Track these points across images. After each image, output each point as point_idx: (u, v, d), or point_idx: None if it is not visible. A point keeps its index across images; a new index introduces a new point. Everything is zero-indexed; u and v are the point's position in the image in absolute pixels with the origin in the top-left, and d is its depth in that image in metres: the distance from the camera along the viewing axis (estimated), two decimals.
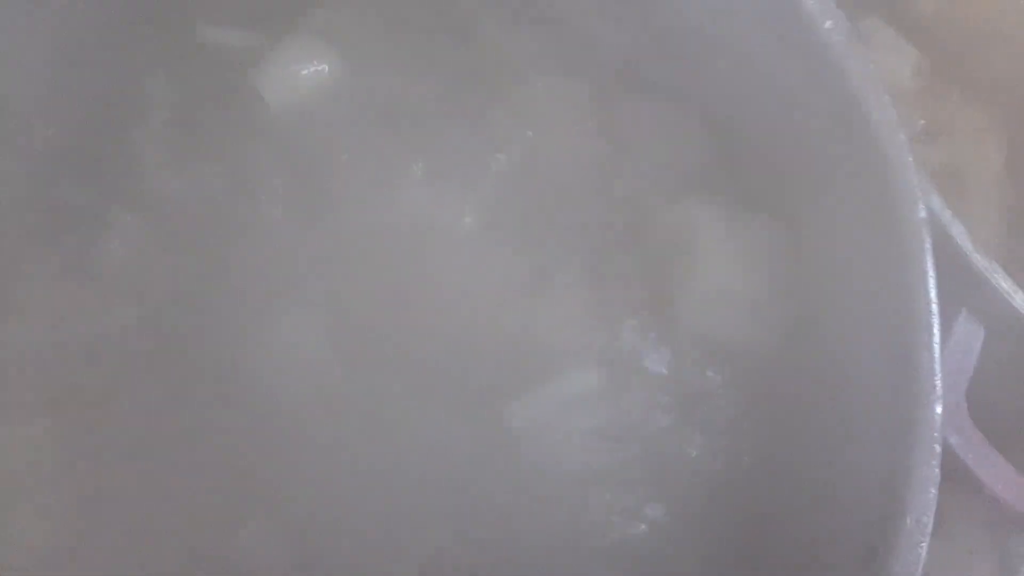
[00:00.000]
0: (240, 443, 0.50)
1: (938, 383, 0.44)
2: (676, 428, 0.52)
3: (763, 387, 0.52)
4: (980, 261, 0.47)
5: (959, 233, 0.47)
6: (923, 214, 0.44)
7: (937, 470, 0.43)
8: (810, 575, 0.48)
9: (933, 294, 0.44)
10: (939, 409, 0.44)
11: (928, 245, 0.44)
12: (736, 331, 0.53)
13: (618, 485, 0.51)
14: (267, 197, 0.56)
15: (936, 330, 0.44)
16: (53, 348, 0.52)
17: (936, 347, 0.44)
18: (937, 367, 0.44)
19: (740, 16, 0.50)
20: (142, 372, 0.51)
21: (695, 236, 0.53)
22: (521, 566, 0.49)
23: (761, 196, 0.52)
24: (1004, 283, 0.47)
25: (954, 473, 0.48)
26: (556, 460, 0.51)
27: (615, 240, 0.56)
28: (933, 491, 0.43)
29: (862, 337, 0.48)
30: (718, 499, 0.51)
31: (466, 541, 0.49)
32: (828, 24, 0.46)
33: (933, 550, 0.75)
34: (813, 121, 0.48)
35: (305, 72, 0.57)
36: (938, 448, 0.43)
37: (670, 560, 0.50)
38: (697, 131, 0.56)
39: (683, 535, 0.51)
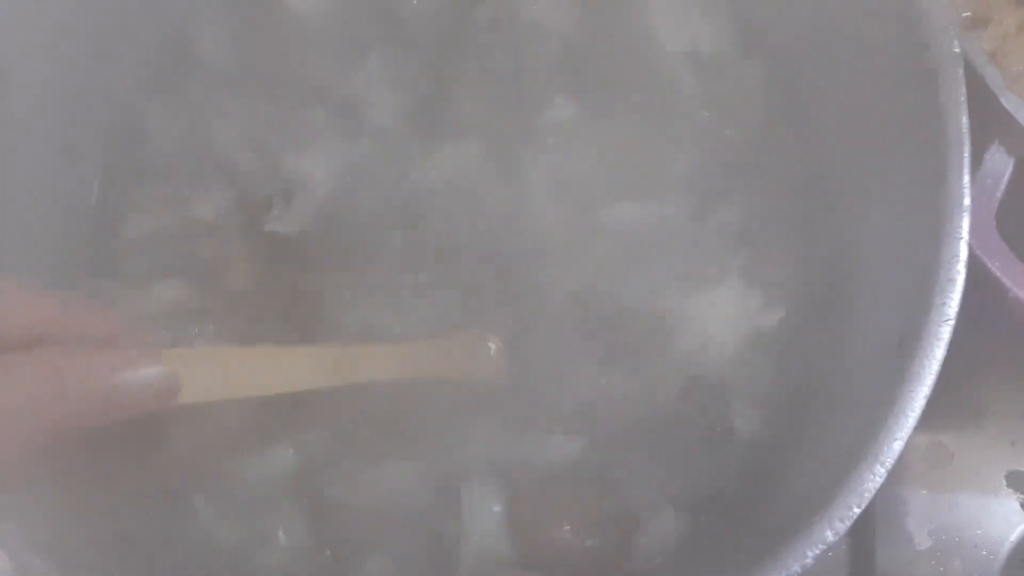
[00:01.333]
0: None
1: (966, 197, 0.51)
2: None
3: None
4: (1009, 99, 0.54)
5: (990, 74, 0.54)
6: (957, 49, 0.52)
7: (962, 265, 0.50)
8: (853, 357, 0.56)
9: (964, 119, 0.52)
10: (966, 218, 0.51)
11: (961, 74, 0.51)
12: None
13: None
14: None
15: (966, 151, 0.52)
16: None
17: (965, 163, 0.51)
18: (966, 181, 0.51)
19: None
20: None
21: None
22: None
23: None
24: None
25: (983, 284, 0.55)
26: None
27: None
28: (958, 279, 0.49)
29: (899, 158, 0.55)
30: None
31: None
32: None
33: (976, 442, 0.81)
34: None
35: None
36: (964, 245, 0.50)
37: None
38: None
39: None
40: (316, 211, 0.65)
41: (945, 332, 0.49)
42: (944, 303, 0.49)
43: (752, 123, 0.68)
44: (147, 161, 0.69)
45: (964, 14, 0.67)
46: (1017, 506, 0.80)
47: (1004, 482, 0.81)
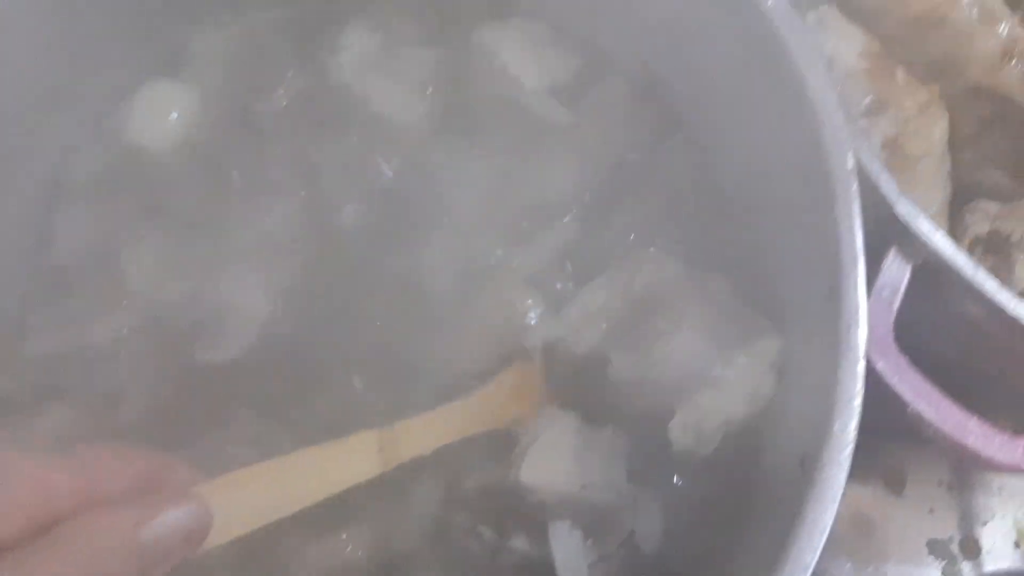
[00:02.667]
0: None
1: (862, 311, 0.51)
2: None
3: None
4: (904, 206, 0.54)
5: (885, 181, 0.54)
6: (851, 165, 0.51)
7: (860, 386, 0.49)
8: (754, 477, 0.55)
9: (858, 234, 0.51)
10: (863, 333, 0.50)
11: (855, 191, 0.51)
12: None
13: None
14: None
15: (861, 265, 0.51)
16: None
17: (861, 279, 0.51)
18: (862, 297, 0.51)
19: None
20: None
21: None
22: None
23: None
24: (923, 225, 0.53)
25: (884, 399, 0.55)
26: None
27: None
28: (857, 402, 0.49)
29: (798, 274, 0.55)
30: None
31: None
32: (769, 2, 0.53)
33: (896, 511, 0.82)
34: (754, 84, 0.55)
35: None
36: (861, 368, 0.50)
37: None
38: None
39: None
40: (241, 340, 0.64)
41: (846, 457, 0.49)
42: (844, 429, 0.49)
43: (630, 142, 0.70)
44: (51, 275, 0.67)
45: (865, 99, 0.67)
46: (939, 574, 0.81)
47: (926, 550, 0.82)
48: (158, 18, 0.70)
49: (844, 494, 0.47)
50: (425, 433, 0.56)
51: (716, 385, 0.58)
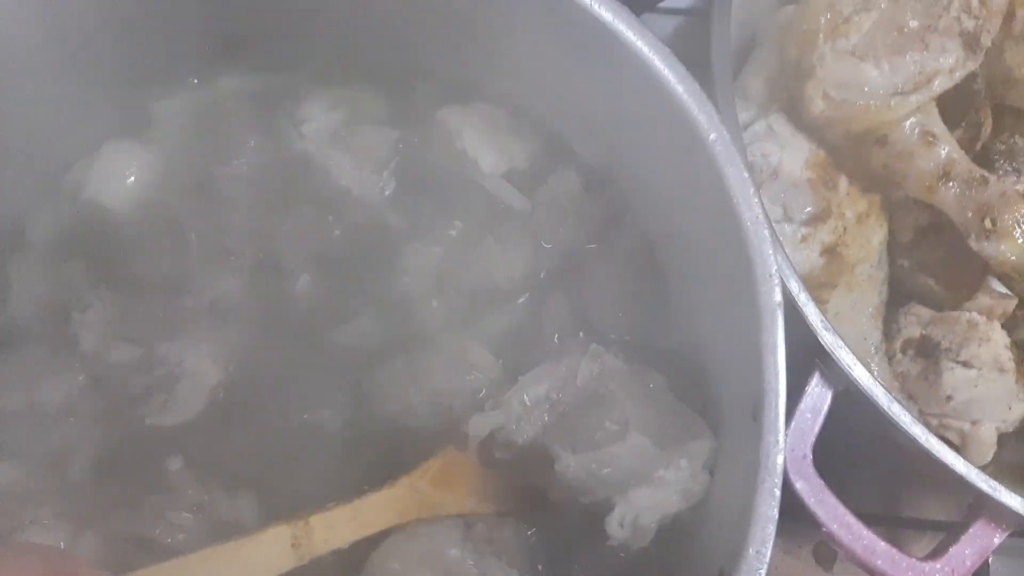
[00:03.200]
0: None
1: (780, 438, 0.53)
2: None
3: None
4: (826, 337, 0.56)
5: (811, 313, 0.56)
6: (779, 298, 0.54)
7: (775, 510, 0.52)
8: None
9: (781, 365, 0.53)
10: (781, 459, 0.53)
11: (780, 324, 0.53)
12: None
13: None
14: None
15: (781, 395, 0.54)
16: None
17: (780, 408, 0.53)
18: (781, 425, 0.53)
19: (644, 125, 0.60)
20: None
21: None
22: None
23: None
24: (846, 357, 0.56)
25: (801, 512, 0.58)
26: None
27: None
28: (771, 528, 0.52)
29: (731, 382, 0.57)
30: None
31: None
32: (712, 136, 0.55)
33: None
34: (695, 215, 0.58)
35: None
36: (778, 492, 0.52)
37: None
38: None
39: None
40: (191, 405, 0.64)
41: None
42: (758, 553, 0.51)
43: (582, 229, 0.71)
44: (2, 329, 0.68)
45: (806, 210, 0.70)
46: None
47: None
48: (123, 80, 0.70)
49: (775, 565, 0.50)
50: (343, 525, 0.54)
51: (655, 483, 0.60)
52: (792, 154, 0.69)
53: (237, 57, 0.73)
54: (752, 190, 0.54)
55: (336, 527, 0.54)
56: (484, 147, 0.72)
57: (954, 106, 0.73)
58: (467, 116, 0.72)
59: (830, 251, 0.70)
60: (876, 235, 0.72)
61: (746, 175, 0.54)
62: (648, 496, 0.60)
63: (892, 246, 0.74)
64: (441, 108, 0.72)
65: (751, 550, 0.52)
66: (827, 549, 0.87)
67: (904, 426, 0.55)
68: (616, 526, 0.60)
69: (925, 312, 0.72)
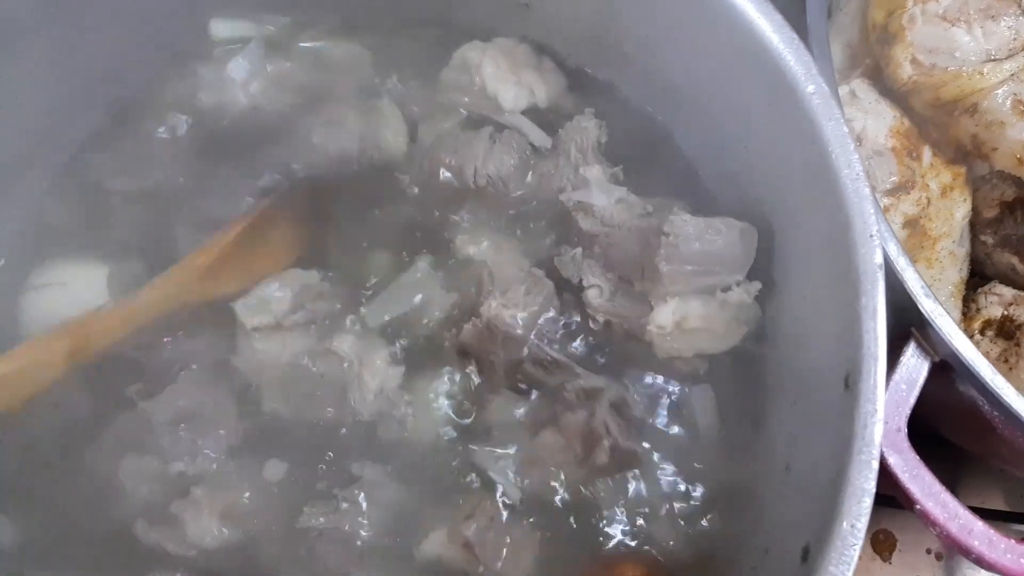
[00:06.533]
0: None
1: (879, 407, 0.50)
2: None
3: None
4: (927, 304, 0.53)
5: (911, 278, 0.53)
6: (879, 261, 0.51)
7: (872, 483, 0.49)
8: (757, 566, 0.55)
9: (881, 330, 0.50)
10: (879, 430, 0.50)
11: (880, 286, 0.50)
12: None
13: None
14: None
15: (881, 362, 0.50)
16: None
17: (879, 376, 0.50)
18: (879, 394, 0.50)
19: (739, 77, 0.57)
20: None
21: None
22: None
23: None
24: (947, 326, 0.53)
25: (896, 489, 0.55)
26: None
27: None
28: (868, 501, 0.49)
29: (822, 363, 0.54)
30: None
31: None
32: (810, 88, 0.52)
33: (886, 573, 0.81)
34: (795, 173, 0.55)
35: None
36: (875, 464, 0.49)
37: None
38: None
39: None
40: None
41: (853, 556, 0.48)
42: (852, 528, 0.48)
43: None
44: None
45: (891, 179, 0.67)
46: None
47: None
48: None
49: None
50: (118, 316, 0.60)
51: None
52: (876, 121, 0.66)
53: None
54: (852, 145, 0.51)
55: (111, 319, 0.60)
56: (505, 84, 0.70)
57: None
58: (487, 51, 0.70)
59: (912, 224, 0.67)
60: (960, 209, 0.68)
61: (845, 129, 0.51)
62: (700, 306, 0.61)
63: (975, 222, 0.71)
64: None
65: (844, 524, 0.48)
66: (887, 536, 0.84)
67: (1007, 400, 0.52)
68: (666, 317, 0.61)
69: (1008, 292, 0.69)
